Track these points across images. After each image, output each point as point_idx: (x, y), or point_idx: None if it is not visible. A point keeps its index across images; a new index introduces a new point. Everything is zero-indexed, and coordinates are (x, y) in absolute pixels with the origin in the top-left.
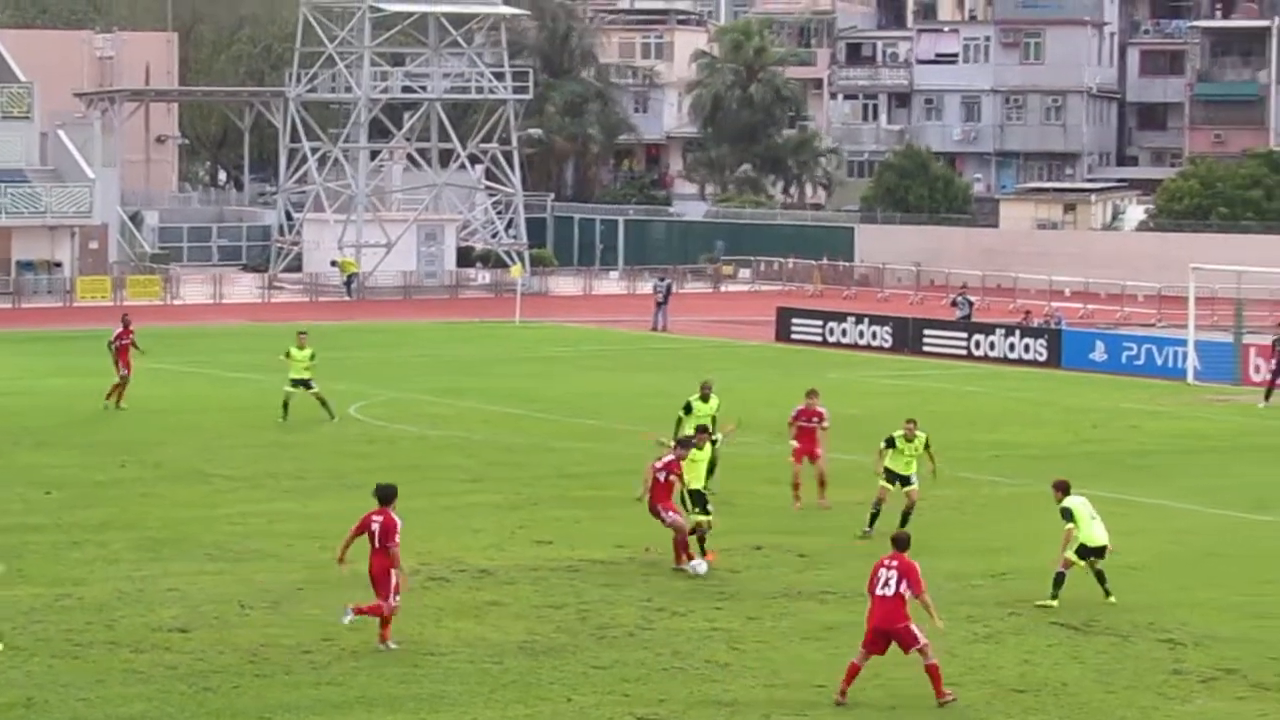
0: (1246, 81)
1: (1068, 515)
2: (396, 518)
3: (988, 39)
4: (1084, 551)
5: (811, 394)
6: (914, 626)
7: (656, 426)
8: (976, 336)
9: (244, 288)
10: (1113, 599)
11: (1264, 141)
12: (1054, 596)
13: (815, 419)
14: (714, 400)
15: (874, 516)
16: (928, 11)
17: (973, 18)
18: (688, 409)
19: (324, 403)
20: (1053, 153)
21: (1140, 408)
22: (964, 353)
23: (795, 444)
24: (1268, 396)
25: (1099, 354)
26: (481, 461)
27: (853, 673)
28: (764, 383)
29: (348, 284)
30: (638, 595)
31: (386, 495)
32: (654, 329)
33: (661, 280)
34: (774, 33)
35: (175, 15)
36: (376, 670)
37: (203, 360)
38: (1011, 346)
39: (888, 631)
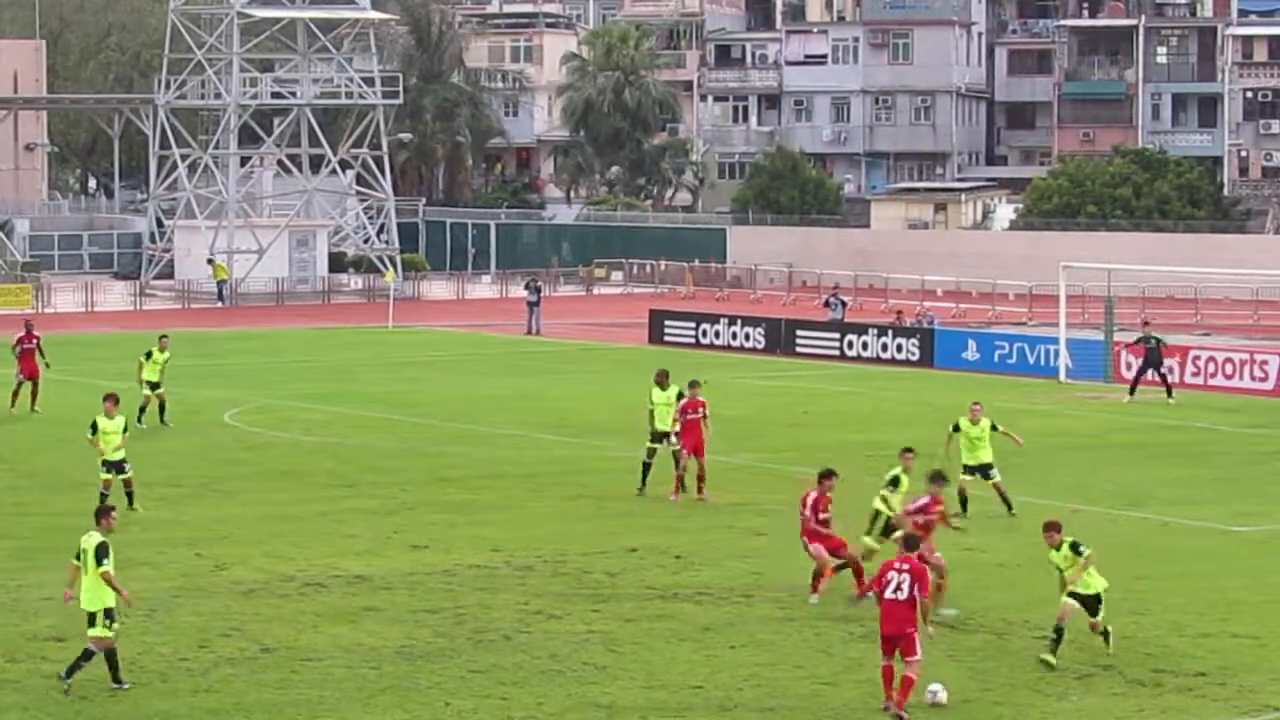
0: (1114, 80)
1: (1075, 549)
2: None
3: (856, 40)
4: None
5: (693, 385)
6: (918, 637)
7: (530, 428)
8: (849, 337)
9: (116, 295)
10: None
11: (1132, 139)
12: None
13: (699, 410)
14: (673, 388)
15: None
16: (796, 13)
17: (841, 19)
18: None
19: (164, 407)
20: (922, 153)
21: (1013, 406)
22: (837, 353)
23: (678, 438)
24: (1132, 391)
25: (971, 353)
26: (356, 467)
27: (889, 676)
28: (637, 385)
29: (219, 290)
30: (514, 599)
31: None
32: (527, 333)
33: (532, 283)
34: (643, 36)
35: (43, 23)
36: (254, 677)
37: (75, 369)
38: (884, 346)
39: (895, 636)
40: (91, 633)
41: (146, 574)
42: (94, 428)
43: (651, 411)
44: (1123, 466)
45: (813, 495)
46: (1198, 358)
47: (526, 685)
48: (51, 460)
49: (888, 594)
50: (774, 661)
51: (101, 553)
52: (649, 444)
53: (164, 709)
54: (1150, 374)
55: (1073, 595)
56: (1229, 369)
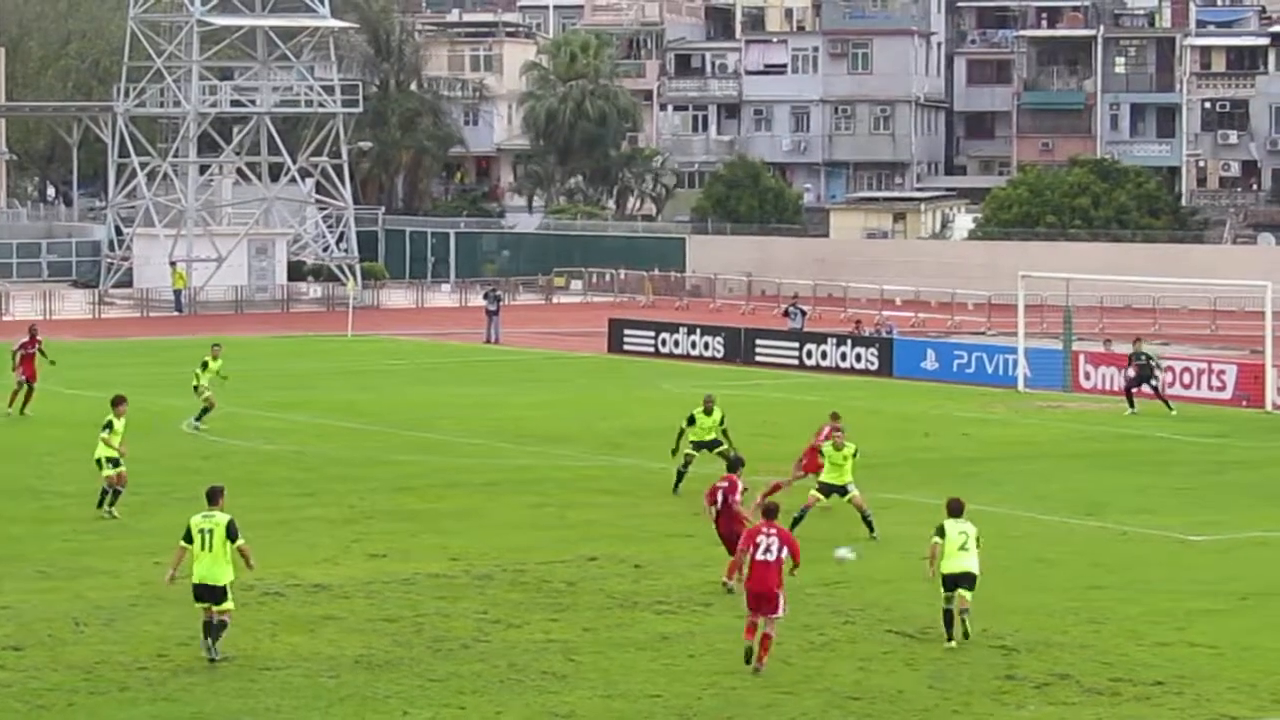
0: (1072, 90)
1: (939, 533)
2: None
3: (815, 50)
4: (948, 582)
5: (834, 417)
6: (782, 596)
7: (489, 437)
8: (808, 346)
9: (74, 304)
10: (952, 644)
11: (1090, 149)
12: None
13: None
14: (717, 412)
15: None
16: (755, 23)
17: (800, 28)
18: (690, 421)
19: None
20: (882, 162)
21: (972, 415)
22: (796, 363)
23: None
24: (1131, 403)
25: (930, 362)
26: (315, 475)
27: (752, 630)
28: (597, 394)
29: (176, 299)
30: (473, 608)
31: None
32: (487, 341)
33: (491, 291)
34: (604, 45)
35: (2, 29)
36: (212, 686)
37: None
38: (843, 356)
39: (763, 594)
40: (223, 606)
41: (105, 582)
42: (109, 426)
43: (681, 431)
44: (1081, 475)
45: (724, 485)
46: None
47: (485, 694)
48: (8, 469)
49: (758, 555)
50: (733, 670)
51: (232, 530)
52: (687, 451)
53: (122, 718)
54: (1144, 388)
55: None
56: (1187, 378)
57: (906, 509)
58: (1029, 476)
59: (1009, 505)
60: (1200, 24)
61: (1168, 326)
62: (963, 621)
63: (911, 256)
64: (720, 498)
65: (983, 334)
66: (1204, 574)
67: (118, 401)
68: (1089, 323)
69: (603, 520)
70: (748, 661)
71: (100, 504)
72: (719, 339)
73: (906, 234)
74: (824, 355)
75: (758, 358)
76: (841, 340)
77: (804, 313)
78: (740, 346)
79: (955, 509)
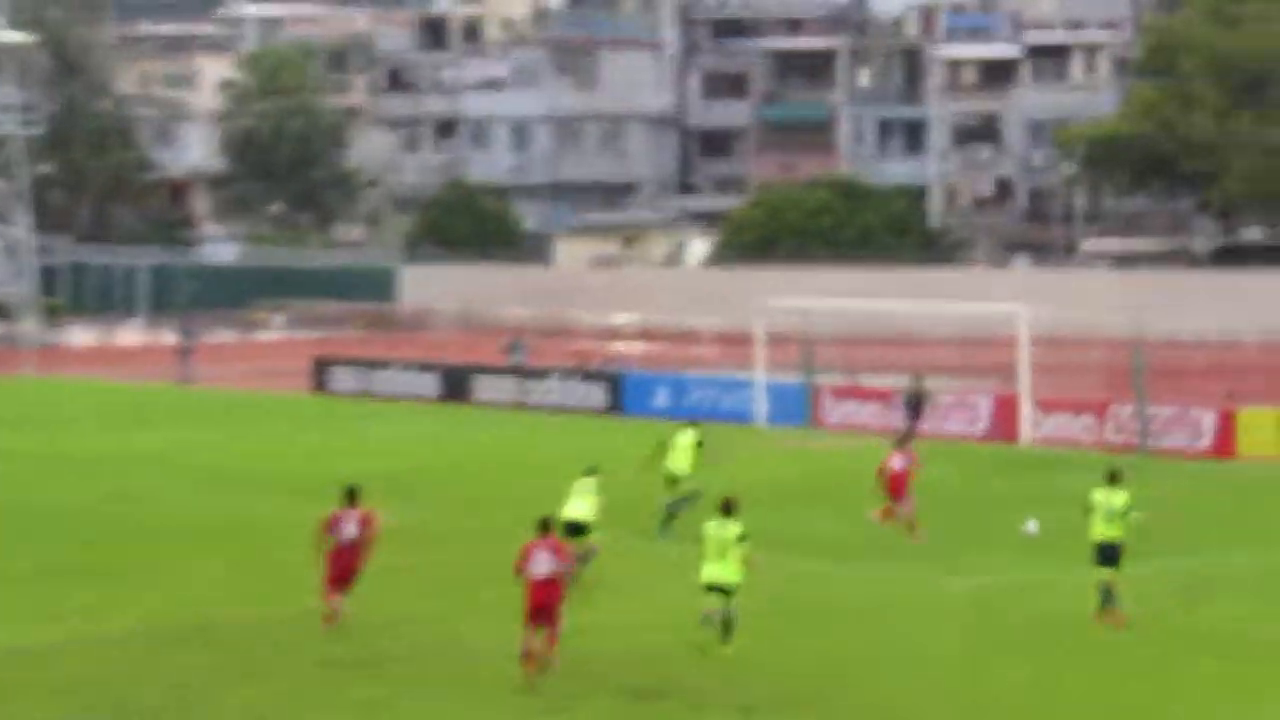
0: (814, 105)
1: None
2: None
3: (538, 62)
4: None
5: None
6: (561, 609)
7: (186, 484)
8: (530, 383)
9: None
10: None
11: (834, 167)
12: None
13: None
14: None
15: None
16: (472, 33)
17: (521, 40)
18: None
19: None
20: (610, 184)
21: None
22: (518, 401)
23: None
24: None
25: (663, 399)
26: None
27: (529, 656)
28: (301, 437)
29: None
30: (167, 672)
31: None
32: (180, 381)
33: (185, 327)
34: (308, 58)
35: None
36: None
37: None
38: (569, 393)
39: (545, 608)
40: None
41: None
42: None
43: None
44: (829, 518)
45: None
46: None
47: None
48: None
49: (535, 572)
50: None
51: None
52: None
53: None
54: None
55: None
56: (938, 412)
57: (642, 557)
58: (772, 520)
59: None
60: (950, 33)
61: (917, 356)
62: (722, 626)
63: (642, 285)
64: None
65: (718, 367)
66: (959, 622)
67: None
68: (832, 353)
69: (309, 575)
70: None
71: None
72: (433, 377)
73: (637, 261)
74: (548, 393)
75: (476, 396)
76: (567, 376)
77: (526, 347)
78: (457, 385)
79: (727, 509)
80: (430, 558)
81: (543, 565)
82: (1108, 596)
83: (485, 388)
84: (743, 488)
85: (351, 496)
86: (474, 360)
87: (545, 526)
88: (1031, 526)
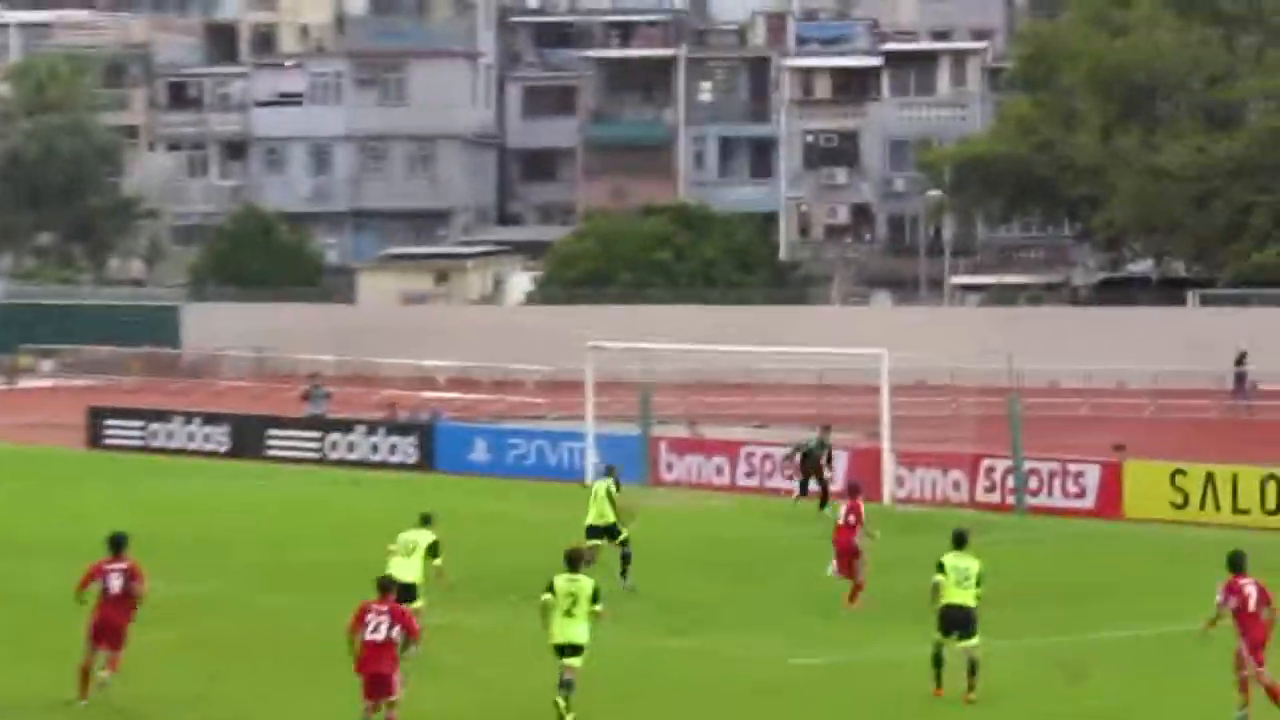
0: (649, 122)
1: (549, 588)
2: None
3: (339, 75)
4: (558, 650)
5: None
6: (398, 676)
7: None
8: (333, 436)
9: None
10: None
11: (672, 192)
12: None
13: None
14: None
15: None
16: (265, 43)
17: (320, 50)
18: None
19: None
20: (421, 211)
21: (530, 516)
22: (318, 455)
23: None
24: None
25: (480, 453)
26: None
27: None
28: (72, 497)
29: None
30: None
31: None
32: None
33: None
34: (78, 71)
35: None
36: None
37: None
38: (375, 447)
39: (376, 676)
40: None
41: None
42: None
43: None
44: (667, 584)
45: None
46: (752, 455)
47: None
48: None
49: (367, 635)
50: None
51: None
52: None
53: None
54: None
55: None
56: (790, 467)
57: (454, 633)
58: (604, 586)
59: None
60: (801, 42)
61: (765, 405)
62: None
63: (457, 325)
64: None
65: (544, 418)
66: (808, 703)
67: None
68: (672, 402)
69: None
70: None
71: None
72: (223, 429)
73: (451, 298)
74: (351, 446)
75: (271, 450)
76: (373, 428)
77: (327, 395)
78: (249, 437)
79: (574, 562)
80: (219, 631)
81: (379, 629)
82: (971, 668)
83: (281, 441)
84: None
85: (117, 546)
86: (268, 411)
87: (385, 588)
88: None
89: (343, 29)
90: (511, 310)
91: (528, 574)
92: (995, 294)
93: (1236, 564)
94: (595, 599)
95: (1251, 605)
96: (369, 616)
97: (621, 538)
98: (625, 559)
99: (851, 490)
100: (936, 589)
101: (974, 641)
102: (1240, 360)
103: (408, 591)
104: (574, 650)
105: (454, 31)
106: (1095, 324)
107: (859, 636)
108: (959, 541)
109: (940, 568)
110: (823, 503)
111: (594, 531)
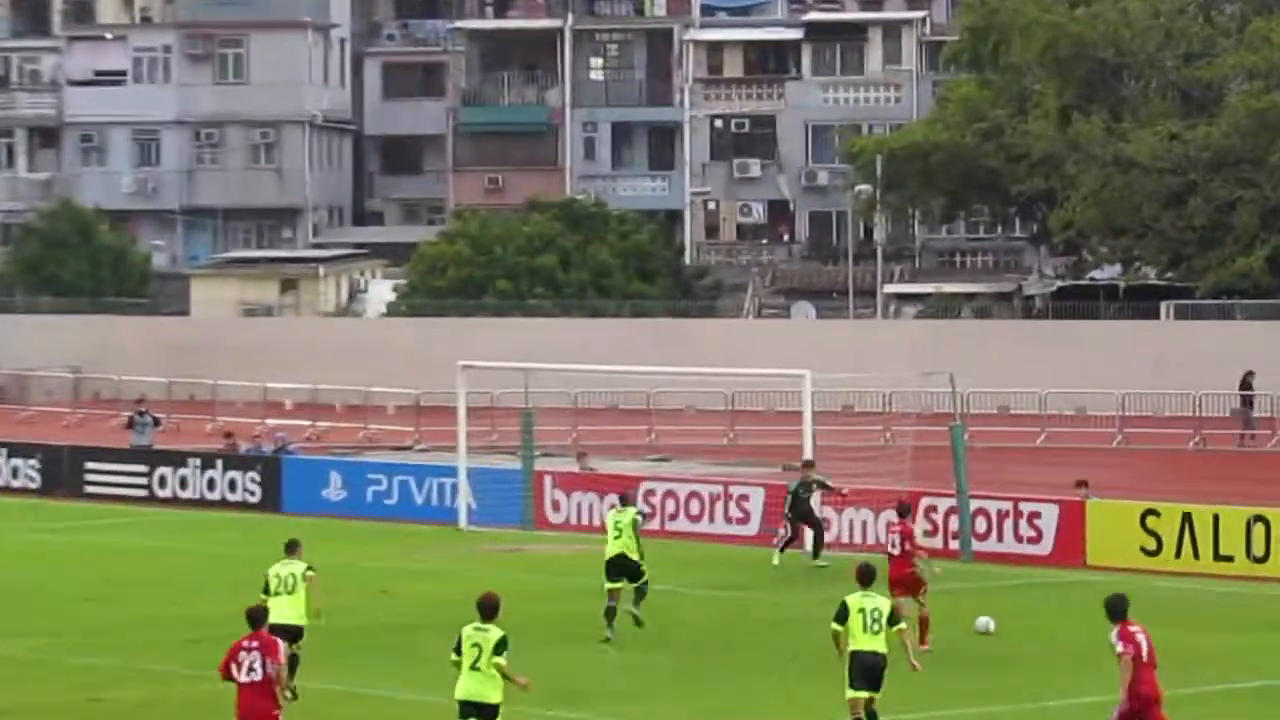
0: (531, 105)
1: (457, 649)
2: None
3: (168, 50)
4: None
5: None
6: (280, 717)
7: None
8: (162, 470)
9: None
10: None
11: (558, 187)
12: None
13: None
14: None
15: None
16: (81, 13)
17: (146, 20)
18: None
19: None
20: (264, 208)
21: (393, 565)
22: (145, 493)
23: None
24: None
25: (335, 490)
26: None
27: None
28: None
29: None
30: None
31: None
32: None
33: None
34: None
35: None
36: None
37: None
38: (212, 483)
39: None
40: None
41: None
42: None
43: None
44: (552, 649)
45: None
46: (651, 492)
47: None
48: None
49: (242, 678)
50: None
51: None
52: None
53: None
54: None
55: None
56: (695, 507)
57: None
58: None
59: (444, 691)
60: (707, 11)
61: (667, 435)
62: None
63: (307, 341)
64: None
65: (409, 449)
66: None
67: None
68: (559, 430)
69: None
70: None
71: None
72: (33, 462)
73: (300, 309)
74: (184, 483)
75: (90, 488)
76: (209, 461)
77: (155, 422)
78: (64, 471)
79: (487, 610)
80: (27, 701)
81: (255, 669)
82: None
83: (101, 476)
84: (439, 608)
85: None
86: (86, 441)
87: (255, 620)
88: (985, 623)
89: None
90: (370, 323)
91: (385, 632)
92: (935, 305)
93: (1122, 608)
94: (499, 649)
95: (1145, 654)
96: (241, 655)
97: (642, 580)
98: (640, 593)
99: (901, 511)
100: (837, 638)
101: (878, 694)
102: (1246, 383)
103: (293, 634)
104: (475, 710)
105: (302, 0)
106: (1052, 339)
107: (763, 708)
108: (865, 579)
109: (843, 612)
110: (815, 551)
111: (616, 570)
